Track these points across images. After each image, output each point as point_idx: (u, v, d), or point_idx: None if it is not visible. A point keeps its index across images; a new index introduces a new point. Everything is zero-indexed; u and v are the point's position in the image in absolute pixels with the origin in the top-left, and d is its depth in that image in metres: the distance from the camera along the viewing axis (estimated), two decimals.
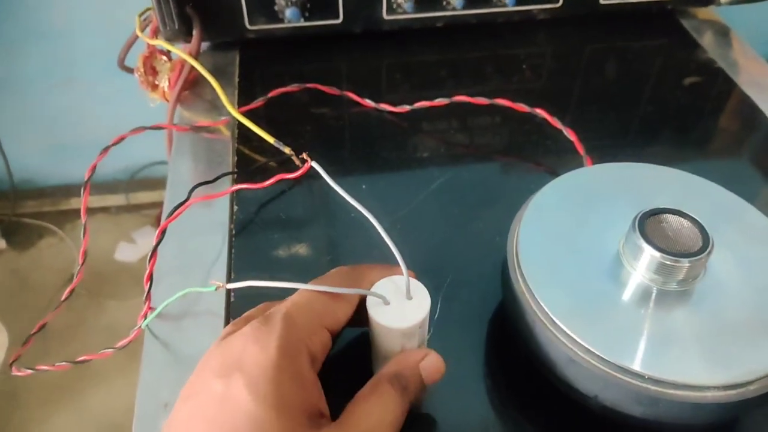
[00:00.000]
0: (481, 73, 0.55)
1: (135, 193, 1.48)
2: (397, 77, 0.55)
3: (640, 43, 0.58)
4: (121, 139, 0.46)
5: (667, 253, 0.29)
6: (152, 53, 0.53)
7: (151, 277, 0.37)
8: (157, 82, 0.52)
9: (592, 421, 0.31)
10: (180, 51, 0.49)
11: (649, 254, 0.29)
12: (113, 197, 1.46)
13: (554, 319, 0.29)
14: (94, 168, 0.45)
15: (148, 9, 0.52)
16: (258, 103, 0.49)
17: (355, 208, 0.33)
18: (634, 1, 0.57)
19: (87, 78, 1.22)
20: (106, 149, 0.45)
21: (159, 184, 1.43)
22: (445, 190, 0.44)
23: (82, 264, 0.42)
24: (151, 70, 0.53)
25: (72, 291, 0.41)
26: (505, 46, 0.57)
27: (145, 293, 0.37)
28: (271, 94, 0.49)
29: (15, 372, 0.39)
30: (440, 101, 0.48)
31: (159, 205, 1.46)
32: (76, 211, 1.46)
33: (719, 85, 0.53)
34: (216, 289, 0.32)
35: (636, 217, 0.30)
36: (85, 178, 0.44)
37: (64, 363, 0.39)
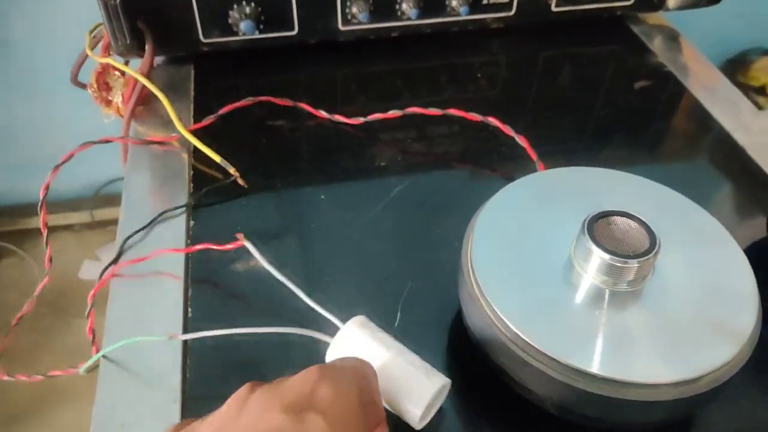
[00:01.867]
0: (436, 83, 0.55)
1: (99, 210, 1.44)
2: (353, 88, 0.55)
3: (592, 49, 0.59)
4: (71, 156, 0.45)
5: (616, 255, 0.29)
6: (105, 69, 0.52)
7: (94, 299, 0.37)
8: (110, 98, 0.51)
9: (552, 422, 0.31)
10: (129, 69, 0.48)
11: (599, 256, 0.30)
12: (76, 215, 1.42)
13: (507, 322, 0.29)
14: (47, 187, 0.44)
15: (99, 25, 0.51)
16: (209, 120, 0.48)
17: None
18: (585, 8, 0.58)
19: (46, 92, 1.19)
20: (57, 167, 0.44)
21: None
22: (403, 198, 0.44)
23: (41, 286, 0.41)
24: (104, 85, 0.53)
25: (31, 310, 0.41)
26: (459, 56, 0.57)
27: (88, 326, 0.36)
28: (222, 111, 0.48)
29: (4, 376, 0.39)
30: (394, 113, 0.48)
31: None
32: (37, 230, 1.41)
33: (669, 89, 0.55)
34: (169, 339, 0.33)
35: (585, 220, 0.31)
36: (41, 197, 0.43)
37: (37, 376, 0.39)
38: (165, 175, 0.45)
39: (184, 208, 0.42)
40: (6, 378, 0.41)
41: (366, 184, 0.46)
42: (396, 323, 0.36)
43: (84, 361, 0.36)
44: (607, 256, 0.30)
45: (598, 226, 0.31)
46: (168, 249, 0.39)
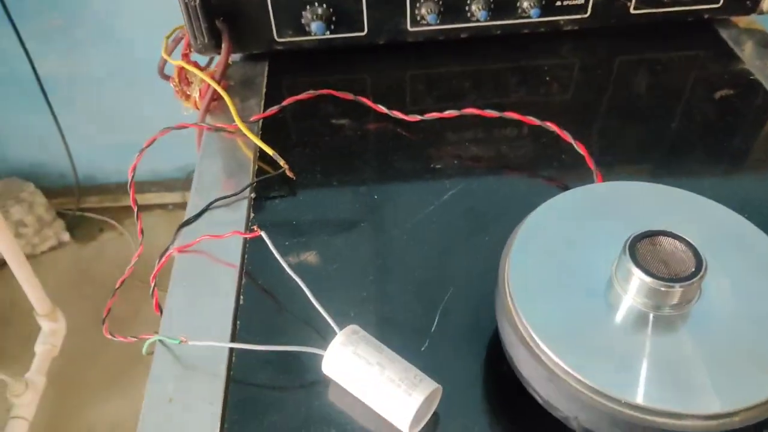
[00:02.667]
0: (503, 85, 0.55)
1: (189, 192, 1.55)
2: (418, 88, 0.56)
3: (672, 55, 0.56)
4: (153, 140, 0.49)
5: (657, 278, 0.29)
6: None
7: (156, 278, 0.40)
8: (189, 93, 0.55)
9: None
10: (199, 72, 0.52)
11: (639, 278, 0.29)
12: (170, 195, 1.53)
13: (534, 336, 0.29)
14: (134, 168, 0.48)
15: (176, 29, 0.55)
16: (273, 110, 0.50)
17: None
18: (666, 11, 0.55)
19: (146, 81, 1.28)
20: (141, 150, 0.49)
21: None
22: (454, 202, 0.44)
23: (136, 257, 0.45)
24: (185, 80, 0.56)
25: (124, 281, 0.45)
26: (529, 58, 0.56)
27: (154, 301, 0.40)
28: (285, 102, 0.51)
29: (107, 335, 0.43)
30: (450, 113, 0.48)
31: None
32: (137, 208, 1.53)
33: (754, 99, 0.51)
34: (180, 343, 0.35)
35: (628, 239, 0.30)
36: (129, 177, 0.47)
37: (132, 337, 0.42)
38: (231, 164, 0.48)
39: (236, 196, 0.45)
40: (108, 336, 0.45)
41: (419, 185, 0.46)
42: (432, 328, 0.37)
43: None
44: (648, 279, 0.29)
45: (641, 246, 0.30)
46: (210, 235, 0.41)
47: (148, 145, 0.50)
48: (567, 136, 0.45)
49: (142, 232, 0.48)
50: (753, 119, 0.50)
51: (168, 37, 0.56)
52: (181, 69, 0.56)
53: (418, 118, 0.49)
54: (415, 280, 0.40)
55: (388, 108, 0.50)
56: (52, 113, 1.36)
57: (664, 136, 0.49)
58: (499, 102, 0.50)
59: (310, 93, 0.52)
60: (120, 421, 1.24)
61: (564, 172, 0.45)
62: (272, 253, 0.41)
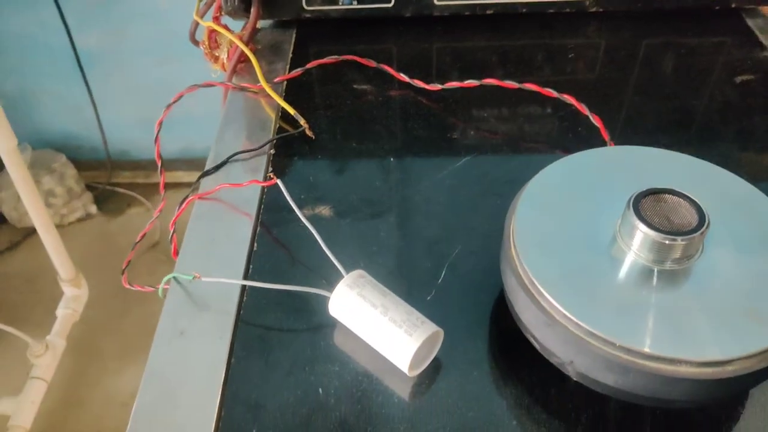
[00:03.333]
0: (525, 61, 0.55)
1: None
2: (441, 60, 0.57)
3: (697, 40, 0.56)
4: (180, 96, 0.51)
5: (661, 231, 0.29)
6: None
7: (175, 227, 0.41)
8: (217, 54, 0.57)
9: (573, 390, 0.31)
10: (227, 32, 0.53)
11: (642, 232, 0.29)
12: (197, 173, 1.56)
13: (534, 280, 0.30)
14: (161, 123, 0.50)
15: None
16: (297, 72, 0.52)
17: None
18: None
19: (181, 57, 1.31)
20: (169, 105, 0.51)
21: None
22: (469, 168, 0.45)
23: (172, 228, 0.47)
24: (214, 43, 0.58)
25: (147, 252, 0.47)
26: (554, 37, 0.57)
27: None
28: (309, 65, 0.52)
29: (126, 284, 0.46)
30: (470, 83, 0.49)
31: None
32: (166, 185, 1.56)
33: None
34: (193, 279, 0.37)
35: (632, 196, 0.30)
36: (155, 132, 0.50)
37: (149, 287, 0.45)
38: (253, 122, 0.50)
39: (256, 151, 0.46)
40: (127, 286, 0.47)
41: (435, 150, 0.47)
42: (439, 281, 0.38)
43: None
44: (651, 232, 0.29)
45: (645, 203, 0.30)
46: (228, 184, 0.43)
47: (176, 101, 0.51)
48: (584, 109, 0.46)
49: (165, 186, 0.49)
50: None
51: (200, 1, 0.58)
52: (212, 31, 0.58)
53: (438, 87, 0.50)
54: (425, 237, 0.41)
55: (410, 77, 0.51)
56: (87, 87, 1.39)
57: (681, 113, 0.49)
58: (520, 76, 0.51)
59: (333, 58, 0.53)
60: (136, 391, 1.27)
61: (579, 143, 0.46)
62: (287, 205, 0.42)
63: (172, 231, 0.44)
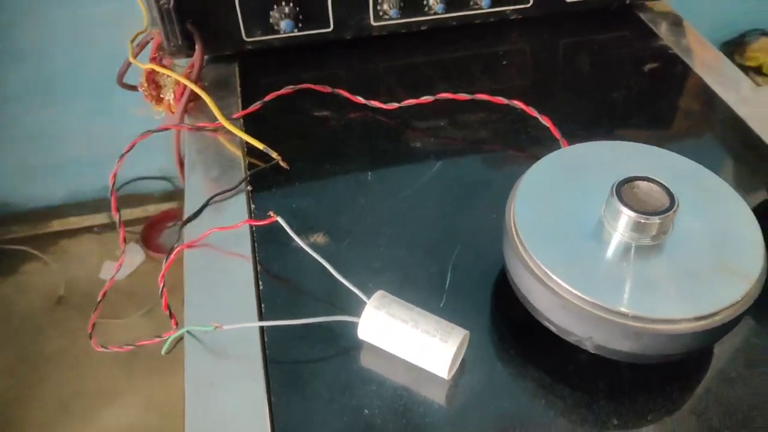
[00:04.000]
0: (464, 72, 0.60)
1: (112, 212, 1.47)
2: (387, 79, 0.60)
3: (605, 36, 0.64)
4: (133, 145, 0.50)
5: (641, 213, 0.34)
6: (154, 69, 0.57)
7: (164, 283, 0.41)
8: (162, 96, 0.56)
9: (588, 363, 0.36)
10: (174, 74, 0.53)
11: (627, 215, 0.34)
12: (96, 216, 1.45)
13: (547, 272, 0.34)
14: (115, 175, 0.49)
15: (139, 33, 0.56)
16: (256, 106, 0.53)
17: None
18: None
19: (64, 98, 1.23)
20: (122, 155, 0.50)
21: (142, 200, 1.44)
22: (442, 175, 0.49)
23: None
24: (154, 84, 0.57)
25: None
26: (485, 45, 0.62)
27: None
28: (267, 98, 0.53)
29: (96, 348, 0.44)
30: (426, 99, 0.53)
31: (143, 220, 1.47)
32: (58, 234, 1.43)
33: (675, 70, 0.59)
34: (214, 329, 0.37)
35: (614, 185, 0.35)
36: (110, 185, 0.48)
37: (126, 345, 0.43)
38: (221, 162, 0.50)
39: (233, 191, 0.47)
40: (99, 349, 0.45)
41: (406, 163, 0.50)
42: (447, 284, 0.41)
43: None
44: (633, 215, 0.34)
45: (624, 190, 0.35)
46: (218, 228, 0.43)
47: (129, 150, 0.50)
48: (533, 112, 0.51)
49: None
50: (676, 85, 0.58)
51: (132, 42, 0.57)
52: (150, 73, 0.57)
53: (395, 105, 0.53)
54: (423, 243, 0.44)
55: (365, 98, 0.54)
56: None
57: (609, 104, 0.56)
58: (464, 87, 0.55)
59: (290, 88, 0.54)
60: None
61: (532, 143, 0.51)
62: (280, 239, 0.43)
63: (161, 286, 0.43)
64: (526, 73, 0.60)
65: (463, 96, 0.53)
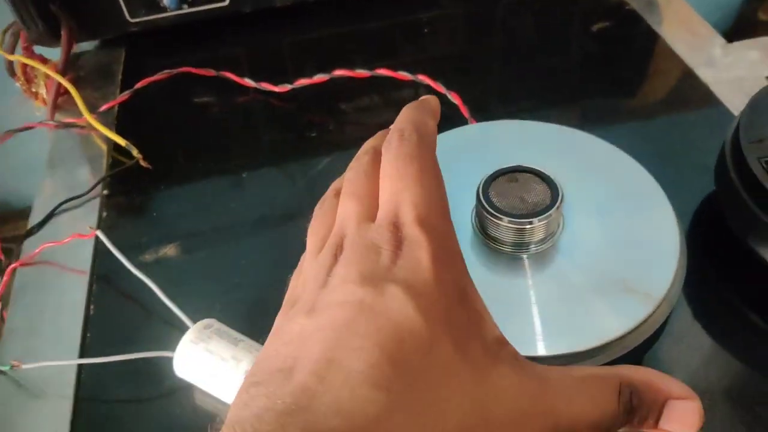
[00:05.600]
0: (381, 45, 0.51)
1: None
2: (298, 56, 0.52)
3: None
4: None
5: (513, 216, 0.26)
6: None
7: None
8: (35, 90, 0.50)
9: None
10: (41, 66, 0.47)
11: (496, 222, 0.26)
12: None
13: None
14: None
15: (15, 21, 0.49)
16: (123, 96, 0.46)
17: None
18: None
19: None
20: None
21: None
22: (331, 171, 0.41)
23: None
24: (30, 77, 0.51)
25: None
26: (407, 13, 0.53)
27: None
28: (138, 86, 0.46)
29: None
30: (320, 77, 0.45)
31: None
32: None
33: (631, 28, 0.50)
34: (11, 368, 0.31)
35: (480, 182, 0.27)
36: None
37: None
38: (82, 162, 0.44)
39: (86, 196, 0.41)
40: None
41: (292, 157, 0.43)
42: None
43: None
44: (504, 219, 0.26)
45: (495, 187, 0.27)
46: (50, 242, 0.37)
47: None
48: (440, 87, 0.43)
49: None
50: (628, 47, 0.49)
51: (5, 32, 0.50)
52: (25, 65, 0.50)
53: (287, 87, 0.46)
54: (292, 258, 0.36)
55: (257, 81, 0.46)
56: None
57: (546, 75, 0.47)
58: (376, 61, 0.47)
59: (165, 73, 0.47)
60: None
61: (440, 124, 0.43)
62: (132, 252, 0.37)
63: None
64: (454, 42, 0.51)
65: (362, 73, 0.45)
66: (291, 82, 0.46)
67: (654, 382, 0.19)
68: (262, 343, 0.26)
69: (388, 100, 0.46)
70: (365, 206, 0.21)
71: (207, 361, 0.28)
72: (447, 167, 0.30)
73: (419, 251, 0.18)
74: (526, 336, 0.24)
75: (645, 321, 0.25)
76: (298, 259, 0.29)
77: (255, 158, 0.43)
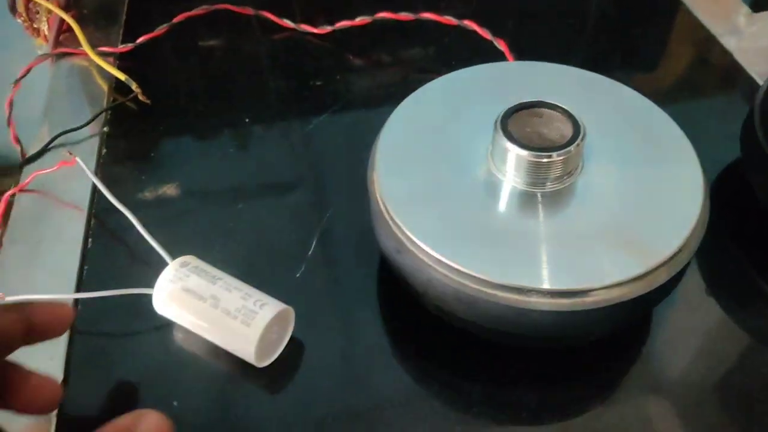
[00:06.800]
0: None
1: None
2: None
3: None
4: (29, 69, 0.43)
5: (533, 150, 0.25)
6: None
7: None
8: (36, 26, 0.48)
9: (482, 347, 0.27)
10: (45, 1, 0.45)
11: (515, 153, 0.25)
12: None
13: (388, 206, 0.26)
14: (11, 102, 0.42)
15: None
16: (162, 30, 0.45)
17: None
18: None
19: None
20: (16, 82, 0.43)
21: None
22: (347, 117, 0.39)
23: None
24: (34, 13, 0.49)
25: None
26: None
27: None
28: (177, 19, 0.45)
29: None
30: (362, 19, 0.44)
31: None
32: None
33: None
34: None
35: (499, 115, 0.26)
36: (6, 114, 0.42)
37: None
38: (82, 97, 0.42)
39: (83, 128, 0.39)
40: None
41: (306, 103, 0.41)
42: (309, 252, 0.32)
43: None
44: (524, 153, 0.25)
45: (515, 121, 0.26)
46: (40, 170, 0.36)
47: (24, 75, 0.44)
48: (487, 34, 0.42)
49: None
50: (650, 11, 0.47)
51: None
52: (27, 1, 0.49)
53: (328, 29, 0.44)
54: (290, 204, 0.35)
55: (295, 22, 0.45)
56: None
57: (571, 30, 0.46)
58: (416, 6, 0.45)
59: (203, 8, 0.45)
60: None
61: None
62: (129, 190, 0.35)
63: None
64: None
65: (406, 16, 0.43)
66: (332, 24, 0.44)
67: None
68: (244, 282, 0.26)
69: (430, 46, 0.44)
70: None
71: (185, 300, 0.27)
72: (473, 100, 0.30)
73: None
74: (530, 270, 0.23)
75: (649, 273, 0.23)
76: (297, 208, 0.27)
77: (265, 106, 0.41)
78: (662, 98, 0.30)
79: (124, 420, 0.20)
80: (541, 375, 0.27)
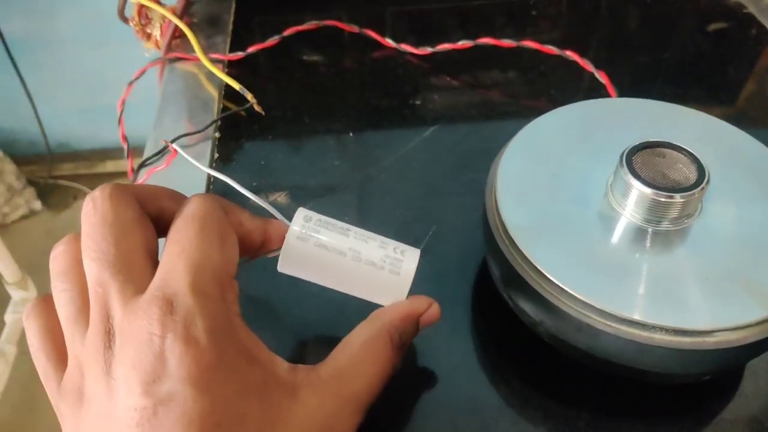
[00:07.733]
0: (486, 19, 0.51)
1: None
2: (416, 23, 0.52)
3: None
4: (143, 72, 0.48)
5: (656, 188, 0.26)
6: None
7: None
8: (149, 31, 0.51)
9: (584, 374, 0.29)
10: (156, 5, 0.48)
11: (637, 189, 0.26)
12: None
13: (509, 231, 0.27)
14: (123, 102, 0.46)
15: None
16: (273, 41, 0.48)
17: None
18: None
19: (117, 41, 1.22)
20: (131, 83, 0.47)
21: None
22: (450, 138, 0.41)
23: None
24: (145, 19, 0.52)
25: None
26: None
27: None
28: (287, 32, 0.48)
29: None
30: (464, 44, 0.46)
31: None
32: (111, 175, 1.47)
33: (747, 32, 0.49)
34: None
35: (625, 150, 0.27)
36: (118, 111, 0.45)
37: None
38: (194, 103, 0.45)
39: (199, 134, 0.42)
40: None
41: (409, 123, 0.43)
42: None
43: None
44: (648, 190, 0.26)
45: (639, 158, 0.27)
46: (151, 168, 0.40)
47: (138, 77, 0.47)
48: (588, 65, 0.43)
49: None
50: (746, 51, 0.48)
51: None
52: (141, 6, 0.52)
53: (429, 50, 0.46)
54: (395, 220, 0.37)
55: (396, 42, 0.47)
56: (20, 77, 1.29)
57: (661, 66, 0.46)
58: (508, 33, 0.47)
59: (312, 24, 0.48)
60: None
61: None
62: (236, 191, 0.37)
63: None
64: (573, 23, 0.50)
65: (508, 43, 0.45)
66: (433, 46, 0.46)
67: (410, 311, 0.25)
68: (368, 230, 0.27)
69: (529, 73, 0.46)
70: (123, 273, 0.20)
71: (323, 258, 0.26)
72: (588, 135, 0.31)
73: (194, 329, 0.19)
74: (654, 306, 0.24)
75: (754, 324, 0.24)
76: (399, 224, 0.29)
77: (367, 120, 0.43)
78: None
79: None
80: (648, 408, 0.28)
